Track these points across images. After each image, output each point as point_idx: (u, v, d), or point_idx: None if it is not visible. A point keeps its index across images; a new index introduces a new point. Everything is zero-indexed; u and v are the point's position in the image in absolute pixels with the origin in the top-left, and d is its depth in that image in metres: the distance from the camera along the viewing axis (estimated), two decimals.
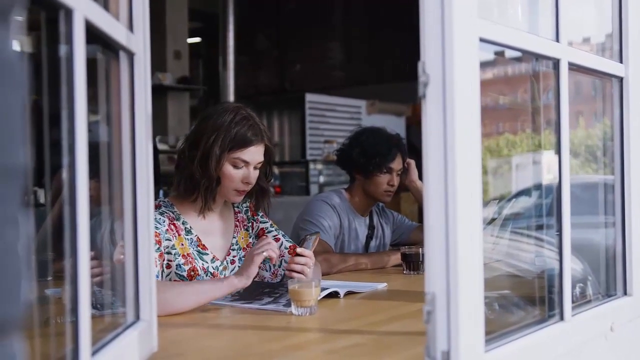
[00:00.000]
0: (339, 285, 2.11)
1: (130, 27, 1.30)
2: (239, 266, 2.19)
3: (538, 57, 1.49)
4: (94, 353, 1.05)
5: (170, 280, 2.06)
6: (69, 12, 0.96)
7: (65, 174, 0.98)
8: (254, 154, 2.11)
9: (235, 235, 2.25)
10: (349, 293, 2.10)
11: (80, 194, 0.97)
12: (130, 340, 1.24)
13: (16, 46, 0.55)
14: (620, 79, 1.74)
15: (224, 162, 2.08)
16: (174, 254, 2.06)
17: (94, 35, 1.07)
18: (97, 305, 1.30)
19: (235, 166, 2.10)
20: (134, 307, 1.33)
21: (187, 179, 2.11)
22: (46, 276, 1.38)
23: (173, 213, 2.13)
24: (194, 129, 2.16)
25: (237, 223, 2.28)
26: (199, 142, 2.08)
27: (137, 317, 1.33)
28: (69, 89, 0.97)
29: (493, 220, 1.88)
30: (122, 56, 1.29)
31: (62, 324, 1.37)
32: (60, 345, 1.03)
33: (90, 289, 1.00)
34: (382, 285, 2.27)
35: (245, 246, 2.27)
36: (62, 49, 0.98)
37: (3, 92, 0.51)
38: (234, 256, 2.23)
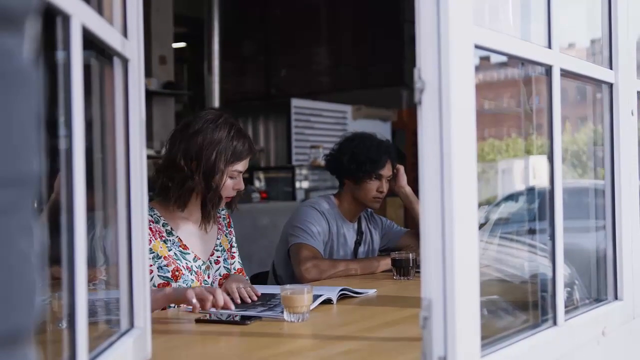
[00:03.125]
0: (331, 290, 2.11)
1: (125, 33, 1.30)
2: (224, 266, 2.30)
3: (531, 63, 1.50)
4: None
5: (153, 284, 2.08)
6: (66, 18, 0.95)
7: (61, 180, 0.97)
8: (247, 163, 2.24)
9: (218, 237, 2.33)
10: (342, 296, 2.10)
11: (77, 201, 0.96)
12: (125, 348, 1.23)
13: (29, 54, 0.55)
14: (610, 85, 1.76)
15: (226, 176, 2.17)
16: (153, 258, 2.10)
17: (89, 41, 1.06)
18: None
19: (232, 177, 2.20)
20: (128, 315, 1.32)
21: (184, 191, 2.14)
22: None
23: (152, 216, 2.17)
24: (186, 140, 2.15)
25: (220, 226, 2.36)
26: (199, 156, 2.13)
27: (132, 325, 1.32)
28: (66, 95, 0.96)
29: (482, 225, 1.89)
30: (116, 62, 1.28)
31: (54, 331, 1.35)
32: (55, 352, 1.02)
33: (87, 297, 1.00)
34: (371, 292, 2.27)
35: (226, 249, 2.35)
36: (59, 55, 0.97)
37: (18, 100, 0.50)
38: (217, 256, 2.30)
